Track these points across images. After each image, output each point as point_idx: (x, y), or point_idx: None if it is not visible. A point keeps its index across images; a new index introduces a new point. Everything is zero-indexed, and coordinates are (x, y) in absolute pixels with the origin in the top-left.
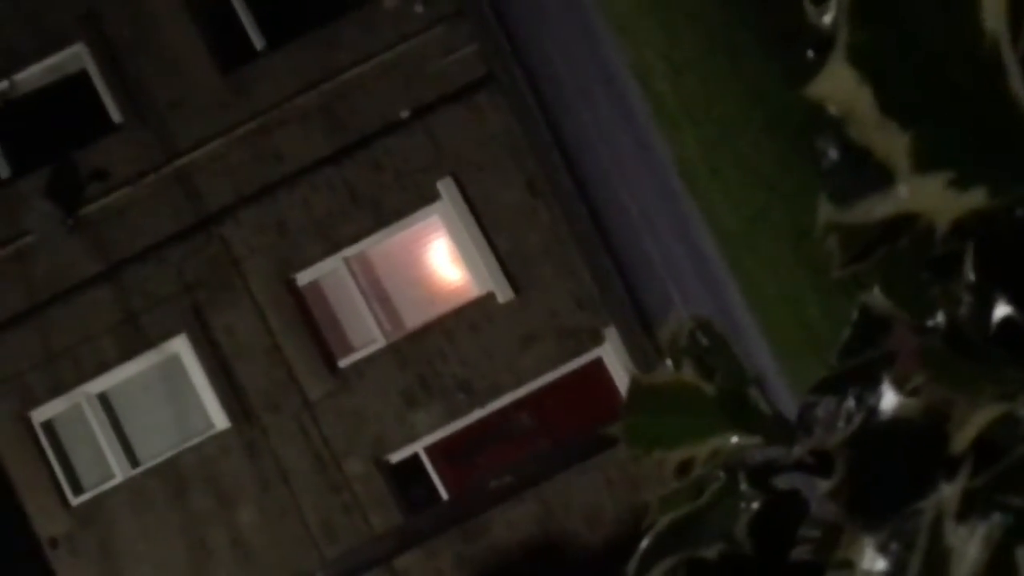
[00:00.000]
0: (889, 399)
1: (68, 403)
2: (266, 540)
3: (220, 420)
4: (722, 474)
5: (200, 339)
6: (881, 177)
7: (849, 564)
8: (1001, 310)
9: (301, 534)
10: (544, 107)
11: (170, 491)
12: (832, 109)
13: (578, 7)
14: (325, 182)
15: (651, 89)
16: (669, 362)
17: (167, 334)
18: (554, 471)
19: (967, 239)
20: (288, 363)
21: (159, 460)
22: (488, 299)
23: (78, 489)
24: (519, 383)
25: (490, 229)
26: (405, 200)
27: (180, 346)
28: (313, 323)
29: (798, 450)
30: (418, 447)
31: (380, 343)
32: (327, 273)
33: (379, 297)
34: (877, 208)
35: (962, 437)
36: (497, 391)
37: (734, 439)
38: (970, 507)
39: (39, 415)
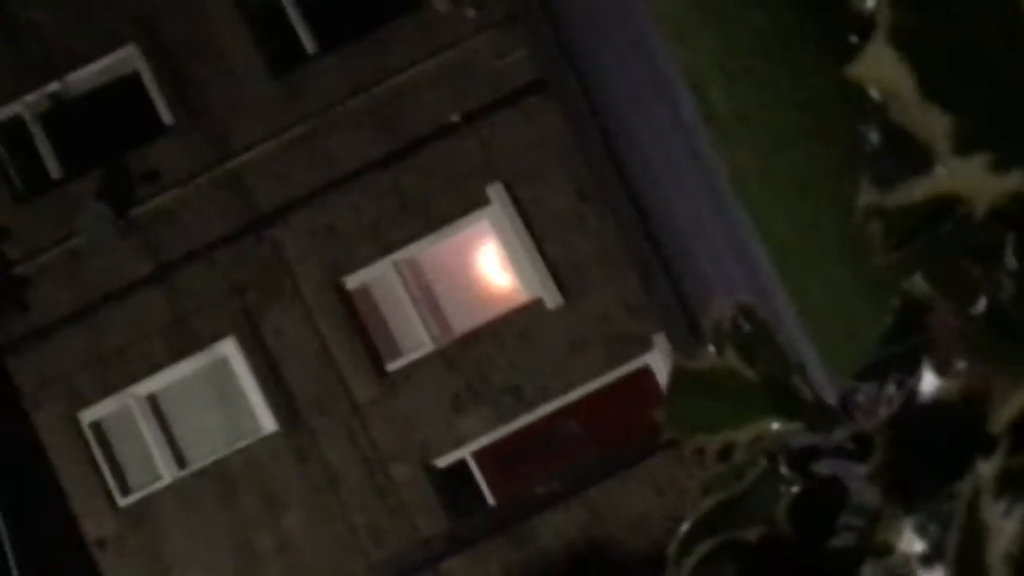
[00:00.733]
0: (929, 381)
1: (117, 404)
2: (313, 543)
3: (268, 423)
4: (763, 460)
5: (249, 342)
6: (922, 160)
7: (888, 546)
8: None
9: (347, 538)
10: (596, 113)
11: (217, 493)
12: (873, 92)
13: (632, 13)
14: (375, 186)
15: (704, 96)
16: (712, 347)
17: (216, 336)
18: (601, 478)
19: (1008, 225)
20: (337, 367)
21: (207, 462)
22: (537, 305)
23: (126, 490)
24: (567, 389)
25: (540, 234)
26: (455, 204)
27: (229, 348)
28: (362, 327)
29: (839, 435)
30: (465, 452)
31: (429, 347)
32: (377, 277)
33: (428, 301)
34: (917, 190)
35: (1001, 417)
36: (545, 397)
37: (776, 425)
38: (1008, 484)
39: (88, 416)
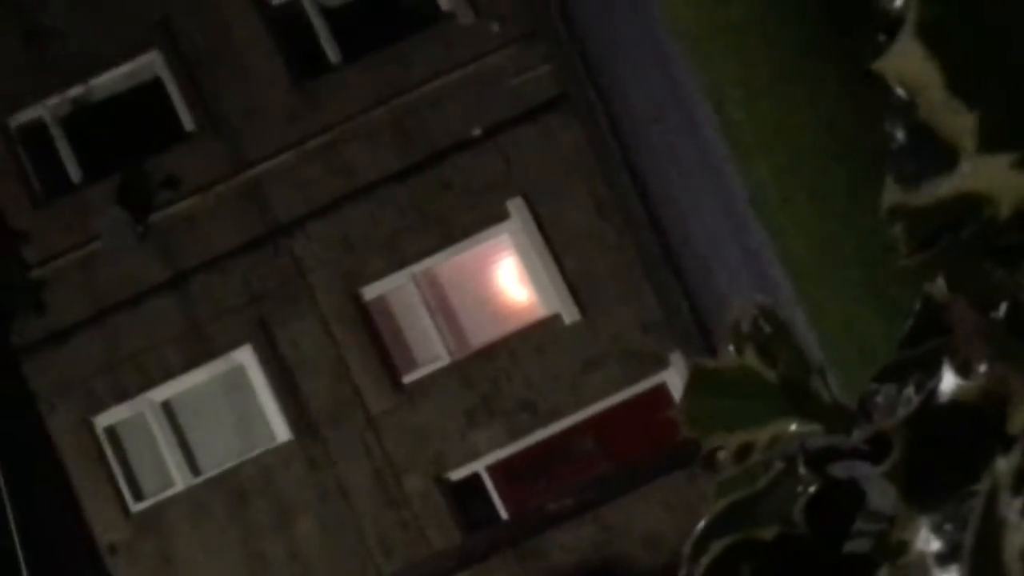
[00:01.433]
0: (949, 382)
1: (132, 410)
2: (324, 553)
3: (282, 432)
4: (780, 460)
5: (265, 350)
6: (947, 159)
7: (903, 545)
8: None
9: (359, 549)
10: (616, 129)
11: (230, 501)
12: (899, 88)
13: (653, 30)
14: (394, 197)
15: (724, 114)
16: (731, 348)
17: (232, 344)
18: (614, 495)
19: None
20: (352, 377)
21: (220, 470)
22: (554, 320)
23: (139, 496)
24: (582, 405)
25: (558, 250)
26: (474, 218)
27: (245, 357)
28: (378, 338)
29: (857, 435)
30: (479, 466)
31: (445, 360)
32: (394, 288)
33: (445, 314)
34: (941, 188)
35: (1020, 417)
36: (560, 412)
37: (794, 426)
38: None
39: (102, 421)
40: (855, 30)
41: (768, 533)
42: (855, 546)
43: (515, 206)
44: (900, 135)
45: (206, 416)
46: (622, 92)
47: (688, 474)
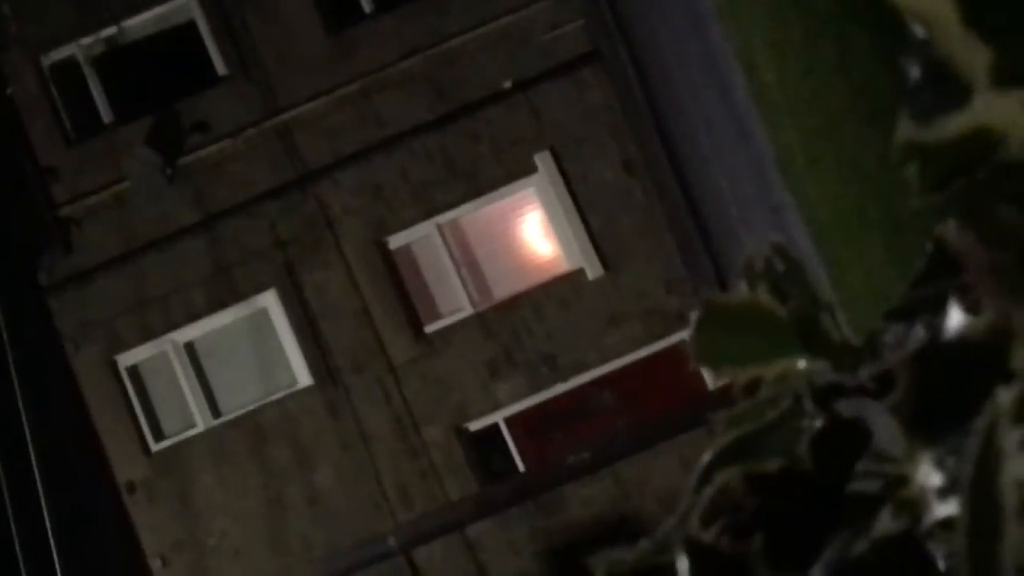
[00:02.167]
0: (955, 318)
1: (155, 350)
2: (341, 499)
3: (304, 377)
4: (788, 396)
5: (289, 295)
6: (962, 95)
7: (904, 480)
8: None
9: (376, 496)
10: (646, 87)
11: (250, 444)
12: (917, 28)
13: None
14: (423, 148)
15: (755, 75)
16: (744, 284)
17: (257, 288)
18: (632, 451)
19: None
20: (375, 325)
21: (241, 412)
22: (578, 275)
23: (159, 436)
24: (603, 360)
25: (584, 205)
26: (502, 171)
27: (269, 301)
28: (402, 287)
29: (863, 373)
30: (498, 417)
31: (467, 311)
32: (419, 238)
33: (469, 266)
34: (954, 123)
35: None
36: (581, 367)
37: (802, 362)
38: None
39: (125, 360)
40: None
41: (772, 466)
42: (860, 487)
43: (543, 160)
44: (915, 72)
45: (228, 358)
46: (654, 50)
47: (707, 431)
